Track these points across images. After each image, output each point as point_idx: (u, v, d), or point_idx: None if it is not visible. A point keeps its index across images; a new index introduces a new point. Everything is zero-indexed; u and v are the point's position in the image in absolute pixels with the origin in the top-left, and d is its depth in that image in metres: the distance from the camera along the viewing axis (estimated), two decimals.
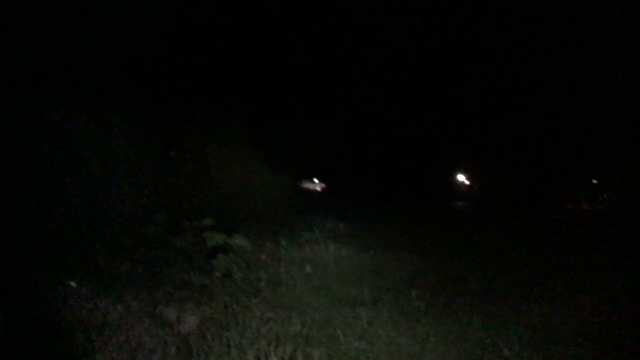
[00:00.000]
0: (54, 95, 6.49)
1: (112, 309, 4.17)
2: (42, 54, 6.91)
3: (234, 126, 11.89)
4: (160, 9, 9.42)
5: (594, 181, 40.64)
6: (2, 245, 5.06)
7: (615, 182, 38.21)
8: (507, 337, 4.08)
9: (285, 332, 3.86)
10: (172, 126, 9.19)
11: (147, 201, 7.28)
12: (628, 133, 32.29)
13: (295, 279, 5.66)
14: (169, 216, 6.09)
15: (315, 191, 48.10)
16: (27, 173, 5.70)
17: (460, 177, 54.07)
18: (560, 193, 41.15)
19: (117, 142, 7.09)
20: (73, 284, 4.78)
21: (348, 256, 7.31)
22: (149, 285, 4.92)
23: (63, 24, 7.28)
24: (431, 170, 50.16)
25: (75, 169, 6.31)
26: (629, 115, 31.48)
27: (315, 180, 53.05)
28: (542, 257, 8.44)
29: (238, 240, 6.20)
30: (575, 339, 4.18)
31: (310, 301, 4.89)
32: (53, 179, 5.97)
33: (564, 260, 8.17)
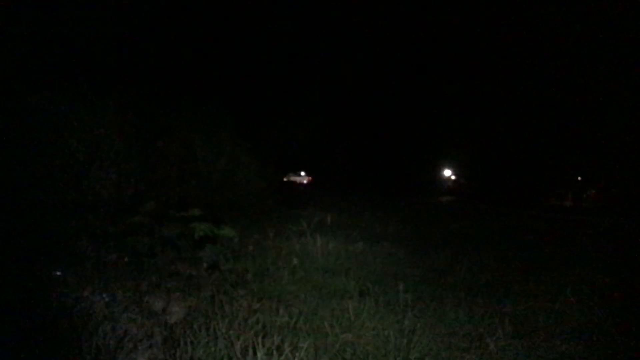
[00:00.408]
0: (39, 82, 6.40)
1: (98, 299, 4.14)
2: (28, 42, 6.82)
3: (221, 118, 11.83)
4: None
5: (579, 178, 41.07)
6: None
7: (600, 179, 38.64)
8: (493, 330, 4.11)
9: (272, 323, 3.86)
10: (159, 116, 9.13)
11: (134, 191, 7.23)
12: (613, 130, 32.61)
13: (282, 270, 5.65)
14: (156, 206, 6.05)
15: (302, 184, 48.22)
16: (11, 161, 5.62)
17: (447, 173, 54.40)
18: (545, 189, 41.56)
19: (103, 131, 7.03)
20: (58, 273, 4.74)
21: (335, 248, 7.31)
22: (135, 275, 4.89)
23: (49, 9, 7.18)
24: (417, 165, 50.34)
25: (60, 157, 6.24)
26: (614, 112, 31.79)
27: (302, 173, 53.13)
28: (527, 251, 8.51)
29: (225, 231, 6.18)
30: (560, 333, 4.22)
31: (297, 293, 4.88)
32: (38, 167, 5.90)
33: (549, 255, 8.26)
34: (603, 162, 36.48)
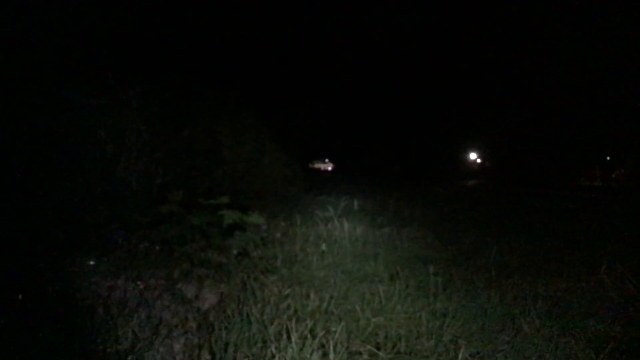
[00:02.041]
0: (68, 75, 6.49)
1: (132, 287, 4.21)
2: (55, 36, 6.90)
3: (244, 106, 11.86)
4: None
5: (608, 157, 40.37)
6: (19, 226, 5.11)
7: (628, 158, 37.93)
8: (526, 312, 4.07)
9: (304, 308, 3.88)
10: (184, 105, 9.19)
11: (162, 180, 7.30)
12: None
13: (311, 256, 5.66)
14: (184, 195, 6.11)
15: (326, 170, 48.29)
16: (42, 153, 5.72)
17: (472, 155, 53.90)
18: (573, 170, 40.96)
19: (130, 122, 7.10)
20: (91, 262, 4.83)
21: (362, 233, 7.30)
22: (166, 263, 4.95)
23: (77, 3, 7.26)
24: (443, 149, 49.95)
25: (90, 149, 6.33)
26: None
27: (326, 159, 53.19)
28: (557, 232, 8.41)
29: (253, 219, 6.21)
30: (595, 312, 4.17)
31: (326, 278, 4.90)
32: (68, 159, 5.99)
33: (580, 235, 8.14)
34: (631, 140, 35.78)
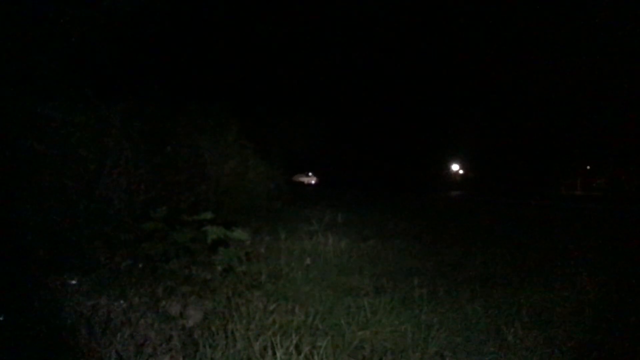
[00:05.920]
0: (49, 93, 6.44)
1: (115, 306, 4.16)
2: (36, 52, 6.86)
3: (227, 121, 11.84)
4: (152, 4, 9.37)
5: (588, 167, 40.88)
6: (0, 245, 5.04)
7: (608, 167, 38.44)
8: (510, 322, 4.10)
9: (289, 323, 3.86)
10: (167, 122, 9.16)
11: (145, 197, 7.25)
12: (620, 119, 32.40)
13: (296, 270, 5.66)
14: (168, 211, 6.07)
15: (310, 184, 48.23)
16: (24, 171, 5.67)
17: (455, 167, 54.29)
18: (554, 179, 41.37)
19: (112, 139, 7.06)
20: (73, 281, 4.77)
21: (347, 246, 7.32)
22: (150, 280, 4.91)
23: (57, 19, 7.23)
24: (425, 161, 50.23)
25: (71, 166, 6.28)
26: (620, 101, 31.59)
27: (310, 173, 53.15)
28: (539, 242, 8.48)
29: (237, 234, 6.18)
30: (578, 322, 4.20)
31: (311, 292, 4.89)
32: (50, 177, 5.94)
33: (562, 244, 8.22)
34: (611, 150, 36.32)
